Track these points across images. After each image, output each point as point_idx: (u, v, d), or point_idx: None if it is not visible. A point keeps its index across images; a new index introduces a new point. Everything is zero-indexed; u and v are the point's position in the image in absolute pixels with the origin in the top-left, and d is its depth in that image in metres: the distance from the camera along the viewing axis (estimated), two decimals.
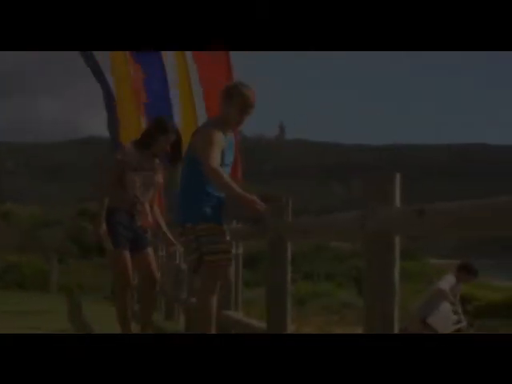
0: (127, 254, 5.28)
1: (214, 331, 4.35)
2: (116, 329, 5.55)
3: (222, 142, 4.27)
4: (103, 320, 9.55)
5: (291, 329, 4.29)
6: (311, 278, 22.16)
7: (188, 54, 7.61)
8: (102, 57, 9.80)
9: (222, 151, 4.28)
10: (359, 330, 2.92)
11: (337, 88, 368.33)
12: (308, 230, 3.40)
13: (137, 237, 5.35)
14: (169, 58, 8.29)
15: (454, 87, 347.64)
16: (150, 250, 5.46)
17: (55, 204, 35.61)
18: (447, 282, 7.71)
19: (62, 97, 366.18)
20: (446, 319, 7.45)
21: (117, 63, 9.19)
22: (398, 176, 2.74)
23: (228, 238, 4.43)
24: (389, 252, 2.71)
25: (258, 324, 4.71)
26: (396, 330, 2.73)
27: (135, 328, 5.58)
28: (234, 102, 4.31)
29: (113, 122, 9.73)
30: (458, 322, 7.64)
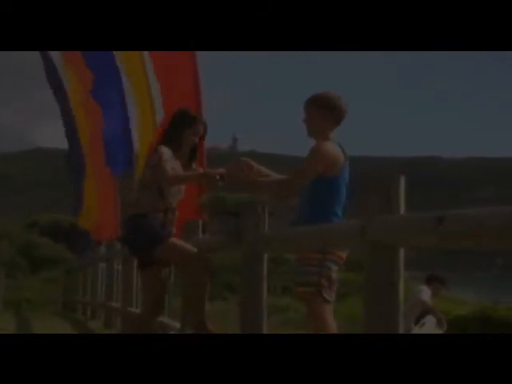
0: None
1: None
2: None
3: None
4: None
5: None
6: (268, 291, 21.81)
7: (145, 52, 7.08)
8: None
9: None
10: None
11: (290, 100, 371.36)
12: (296, 240, 3.09)
13: None
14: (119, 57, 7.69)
15: (407, 98, 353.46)
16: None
17: (3, 217, 34.63)
18: (426, 293, 7.49)
19: (8, 107, 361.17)
20: (431, 331, 7.18)
21: (71, 67, 8.68)
22: (402, 180, 2.46)
23: None
24: (392, 264, 2.42)
25: None
26: None
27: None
28: None
29: (71, 130, 9.26)
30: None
